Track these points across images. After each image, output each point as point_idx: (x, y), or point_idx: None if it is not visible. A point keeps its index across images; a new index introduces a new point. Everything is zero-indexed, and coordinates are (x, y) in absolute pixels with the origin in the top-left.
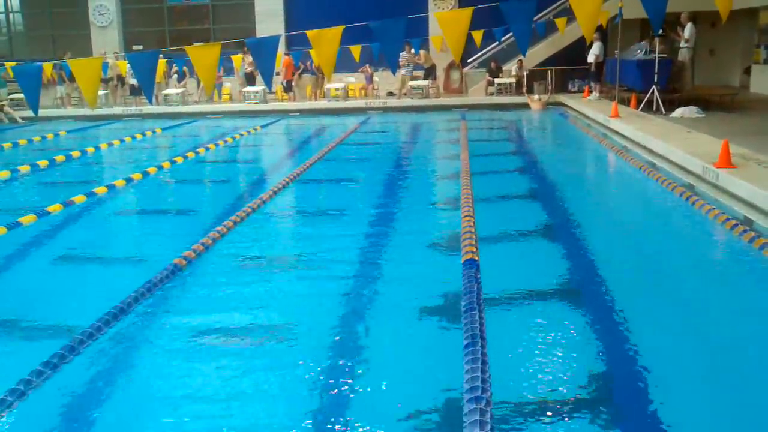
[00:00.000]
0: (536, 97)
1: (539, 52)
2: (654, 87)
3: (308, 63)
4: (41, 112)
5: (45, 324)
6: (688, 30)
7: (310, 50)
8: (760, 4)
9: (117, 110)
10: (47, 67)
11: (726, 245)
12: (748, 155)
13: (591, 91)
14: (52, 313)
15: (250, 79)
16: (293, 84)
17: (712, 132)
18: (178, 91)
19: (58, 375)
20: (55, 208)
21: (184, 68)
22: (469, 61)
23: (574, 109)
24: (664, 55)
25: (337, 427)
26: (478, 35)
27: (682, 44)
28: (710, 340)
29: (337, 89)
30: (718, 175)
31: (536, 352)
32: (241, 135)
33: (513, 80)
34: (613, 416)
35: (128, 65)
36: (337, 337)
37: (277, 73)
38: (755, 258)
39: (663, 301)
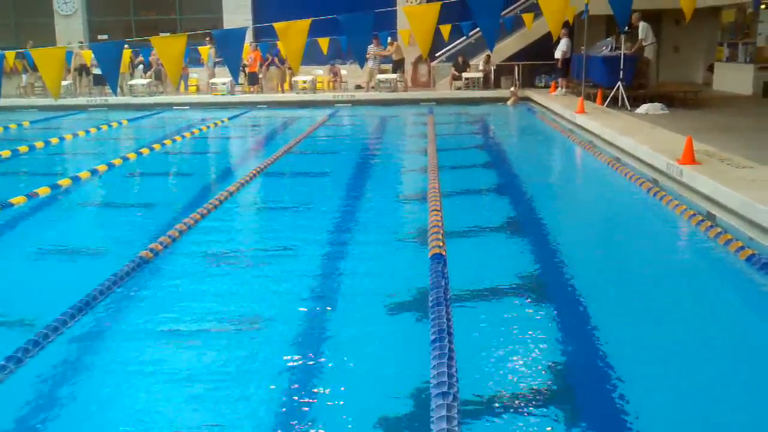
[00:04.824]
0: (512, 89)
1: (506, 48)
2: (619, 83)
3: (274, 58)
4: (4, 102)
5: (8, 318)
6: (641, 30)
7: (277, 42)
8: (723, 2)
9: (82, 100)
10: (9, 55)
11: (689, 240)
12: (712, 152)
13: (557, 87)
14: (15, 306)
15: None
16: (259, 76)
17: (676, 128)
18: (144, 81)
19: (22, 370)
20: (18, 200)
21: (150, 59)
22: (437, 55)
23: (541, 105)
24: (630, 52)
25: (303, 420)
26: (446, 29)
27: (644, 43)
28: (673, 332)
29: (305, 82)
30: (682, 171)
31: (503, 346)
32: (208, 127)
33: (480, 75)
34: (579, 409)
35: (92, 55)
36: (304, 332)
37: (244, 65)
38: (718, 253)
39: (627, 294)
